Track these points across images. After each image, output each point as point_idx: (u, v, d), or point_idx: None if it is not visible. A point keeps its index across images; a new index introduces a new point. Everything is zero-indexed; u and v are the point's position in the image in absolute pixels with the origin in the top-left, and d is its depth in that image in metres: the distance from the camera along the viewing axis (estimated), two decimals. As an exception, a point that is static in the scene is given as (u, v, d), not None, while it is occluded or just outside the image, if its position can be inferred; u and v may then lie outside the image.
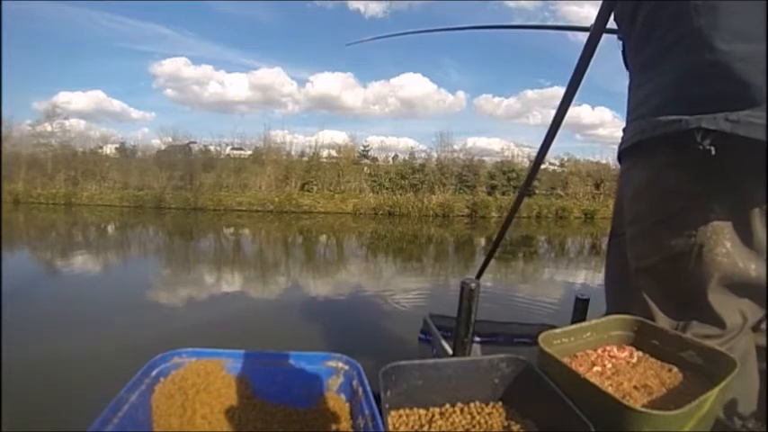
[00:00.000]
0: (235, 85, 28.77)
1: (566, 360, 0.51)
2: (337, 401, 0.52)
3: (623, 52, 0.78)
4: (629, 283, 0.68)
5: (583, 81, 0.86)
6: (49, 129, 11.96)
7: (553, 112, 0.94)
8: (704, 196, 0.58)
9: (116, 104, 26.20)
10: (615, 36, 0.83)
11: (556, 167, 14.45)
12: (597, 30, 0.79)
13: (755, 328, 0.64)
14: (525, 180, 1.18)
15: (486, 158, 13.73)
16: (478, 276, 1.18)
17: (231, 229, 7.69)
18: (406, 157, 13.52)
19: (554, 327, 0.56)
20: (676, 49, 0.59)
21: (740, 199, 0.57)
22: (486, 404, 0.50)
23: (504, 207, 11.16)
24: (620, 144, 0.72)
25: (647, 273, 0.65)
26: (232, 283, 3.75)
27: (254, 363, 0.53)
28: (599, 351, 0.57)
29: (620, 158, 0.75)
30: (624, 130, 0.73)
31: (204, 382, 0.49)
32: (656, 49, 0.63)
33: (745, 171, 0.55)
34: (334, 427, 0.50)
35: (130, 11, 27.97)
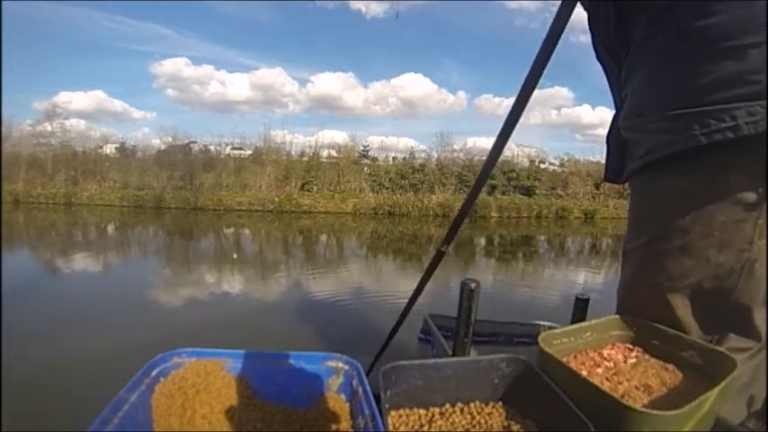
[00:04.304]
0: (236, 85, 28.92)
1: (566, 360, 0.51)
2: (337, 401, 0.52)
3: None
4: (657, 297, 0.59)
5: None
6: (49, 129, 11.96)
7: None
8: (761, 206, 0.51)
9: (117, 104, 26.34)
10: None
11: (556, 167, 14.45)
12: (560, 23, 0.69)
13: None
14: (480, 173, 1.06)
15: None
16: (424, 285, 1.05)
17: (231, 229, 7.69)
18: (407, 157, 13.53)
19: (554, 327, 0.56)
20: None
21: None
22: (486, 404, 0.50)
23: (505, 207, 11.17)
24: (655, 149, 0.56)
25: (686, 289, 0.57)
26: (232, 282, 3.75)
27: (254, 363, 0.53)
28: (599, 351, 0.57)
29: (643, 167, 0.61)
30: (637, 132, 0.59)
31: (204, 382, 0.49)
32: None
33: None
34: (334, 427, 0.50)
35: (130, 11, 28.08)
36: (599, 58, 0.73)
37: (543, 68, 0.74)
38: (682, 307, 0.57)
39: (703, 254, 0.54)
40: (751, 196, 0.51)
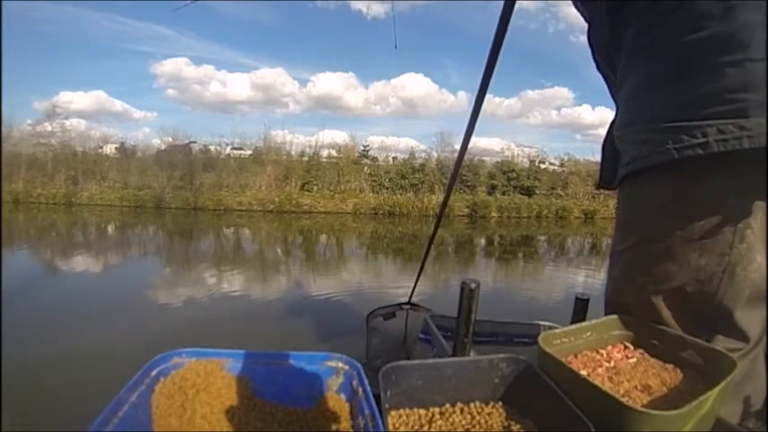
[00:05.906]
0: (236, 85, 28.97)
1: (566, 360, 0.51)
2: (337, 401, 0.52)
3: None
4: (642, 299, 0.60)
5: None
6: (49, 129, 11.95)
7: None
8: (742, 211, 0.52)
9: (118, 104, 26.38)
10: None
11: (556, 167, 14.45)
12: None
13: None
14: (453, 171, 1.13)
15: (486, 158, 13.71)
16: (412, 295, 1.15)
17: (231, 229, 7.69)
18: (407, 157, 13.53)
19: (554, 327, 0.56)
20: None
21: None
22: (486, 404, 0.50)
23: (505, 207, 11.17)
24: (636, 160, 0.58)
25: (670, 293, 0.58)
26: (232, 282, 3.75)
27: (254, 363, 0.53)
28: (599, 351, 0.57)
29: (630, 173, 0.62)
30: (624, 142, 0.61)
31: (204, 382, 0.49)
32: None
33: None
34: (334, 427, 0.50)
35: (130, 11, 28.11)
36: (599, 69, 0.75)
37: (494, 66, 0.80)
38: (666, 309, 0.58)
39: (685, 258, 0.55)
40: (730, 203, 0.52)
